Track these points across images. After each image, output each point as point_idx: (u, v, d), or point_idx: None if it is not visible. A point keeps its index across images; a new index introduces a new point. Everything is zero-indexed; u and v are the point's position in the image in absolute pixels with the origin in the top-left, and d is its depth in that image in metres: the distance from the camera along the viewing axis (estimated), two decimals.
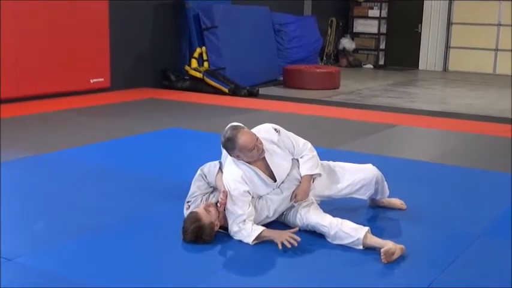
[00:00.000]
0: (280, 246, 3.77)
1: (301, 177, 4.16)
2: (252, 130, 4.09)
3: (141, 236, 4.06)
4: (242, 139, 3.92)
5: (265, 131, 4.17)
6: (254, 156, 3.98)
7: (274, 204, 4.08)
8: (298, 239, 3.81)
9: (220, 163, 4.22)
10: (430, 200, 4.92)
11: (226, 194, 3.94)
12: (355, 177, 4.35)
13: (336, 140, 7.13)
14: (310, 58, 13.75)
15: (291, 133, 4.27)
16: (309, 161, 4.17)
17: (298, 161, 4.20)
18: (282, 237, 3.82)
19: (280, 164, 4.13)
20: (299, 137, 4.27)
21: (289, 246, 3.76)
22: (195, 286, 3.36)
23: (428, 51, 16.33)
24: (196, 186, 4.24)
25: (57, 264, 3.63)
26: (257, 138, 3.97)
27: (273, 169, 4.09)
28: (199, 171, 4.28)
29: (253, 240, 3.86)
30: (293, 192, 4.11)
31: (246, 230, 3.88)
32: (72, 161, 5.91)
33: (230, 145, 3.97)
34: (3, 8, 8.68)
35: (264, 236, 3.87)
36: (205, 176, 4.23)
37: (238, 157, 4.00)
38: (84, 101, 9.41)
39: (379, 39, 16.76)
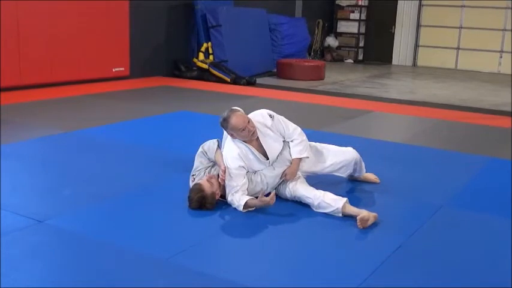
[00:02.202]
0: (269, 202, 3.80)
1: (291, 159, 4.10)
2: (249, 114, 4.06)
3: (153, 203, 4.02)
4: (234, 120, 3.89)
5: (260, 116, 4.11)
6: (245, 136, 3.94)
7: (267, 179, 4.04)
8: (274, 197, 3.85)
9: (218, 141, 4.18)
10: (400, 175, 4.89)
11: (225, 170, 3.91)
12: (337, 158, 4.31)
13: (321, 123, 7.07)
14: (300, 53, 13.66)
15: (284, 118, 4.20)
16: (299, 145, 4.11)
17: (289, 143, 4.15)
18: (263, 202, 3.82)
19: (272, 145, 4.07)
20: (290, 122, 4.20)
21: (271, 202, 3.81)
22: (198, 245, 3.33)
23: (400, 48, 16.27)
24: (199, 162, 4.21)
25: (81, 225, 3.59)
26: (248, 121, 3.92)
27: (265, 149, 4.04)
28: (200, 149, 4.24)
29: (243, 208, 3.83)
30: (283, 172, 4.07)
31: (236, 199, 3.87)
32: (95, 137, 5.85)
33: (224, 124, 3.96)
34: (39, 6, 8.60)
35: (250, 204, 3.84)
36: (206, 153, 4.19)
37: (232, 136, 3.98)
38: (107, 87, 9.33)
39: (358, 38, 16.68)
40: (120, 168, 4.83)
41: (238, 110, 3.99)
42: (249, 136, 3.95)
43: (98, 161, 5.03)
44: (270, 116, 4.12)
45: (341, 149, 4.39)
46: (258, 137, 4.01)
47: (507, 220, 3.89)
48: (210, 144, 4.18)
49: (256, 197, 3.90)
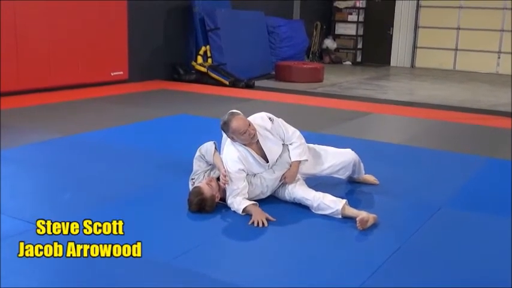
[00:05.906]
0: (252, 223, 3.70)
1: (290, 161, 4.11)
2: (249, 117, 4.06)
3: (152, 206, 4.02)
4: (235, 123, 3.89)
5: (260, 119, 4.12)
6: (246, 139, 3.94)
7: (266, 182, 4.04)
8: (272, 219, 3.76)
9: (215, 143, 4.19)
10: (399, 176, 4.90)
11: (225, 173, 3.92)
12: (336, 160, 4.32)
13: (320, 125, 7.09)
14: (298, 56, 13.67)
15: (283, 121, 4.21)
16: (298, 148, 4.11)
17: (288, 146, 4.15)
18: (257, 216, 3.74)
19: (272, 148, 4.08)
20: (290, 126, 4.21)
21: (260, 225, 3.68)
22: (198, 247, 3.34)
23: (398, 50, 16.30)
24: (198, 165, 4.22)
25: (81, 229, 3.58)
26: (249, 124, 3.93)
27: (265, 152, 4.05)
28: (198, 152, 4.24)
29: (242, 212, 3.84)
30: (283, 175, 4.07)
31: (236, 202, 3.88)
32: (94, 141, 5.86)
33: (225, 128, 3.96)
34: (38, 8, 8.63)
35: (249, 210, 3.83)
36: (204, 156, 4.19)
37: (233, 139, 3.98)
38: (106, 91, 9.34)
39: (356, 40, 16.70)
40: (119, 172, 4.84)
41: (239, 113, 3.99)
42: (250, 139, 3.95)
43: (97, 165, 5.03)
44: (269, 119, 4.13)
45: (340, 150, 4.40)
46: (258, 140, 4.02)
47: (506, 220, 3.89)
48: (208, 147, 4.18)
49: (256, 201, 3.91)
